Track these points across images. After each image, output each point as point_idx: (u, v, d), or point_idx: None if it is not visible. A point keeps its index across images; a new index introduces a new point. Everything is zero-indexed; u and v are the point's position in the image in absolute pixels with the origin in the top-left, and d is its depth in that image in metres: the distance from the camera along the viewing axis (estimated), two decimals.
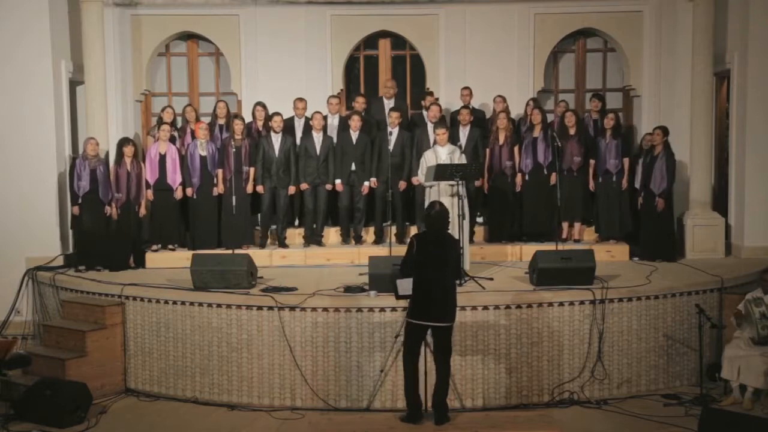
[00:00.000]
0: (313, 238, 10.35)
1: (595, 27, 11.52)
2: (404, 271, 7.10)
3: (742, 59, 10.27)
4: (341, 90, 11.48)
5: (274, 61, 11.38)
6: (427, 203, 9.12)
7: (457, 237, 8.63)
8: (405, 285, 7.00)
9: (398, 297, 7.10)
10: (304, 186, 10.21)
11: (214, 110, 10.84)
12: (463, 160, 9.22)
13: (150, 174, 10.01)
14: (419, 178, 9.34)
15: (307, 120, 10.50)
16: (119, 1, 11.13)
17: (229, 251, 9.25)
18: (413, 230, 10.14)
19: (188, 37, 11.77)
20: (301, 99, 10.57)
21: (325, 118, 10.37)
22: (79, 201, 9.62)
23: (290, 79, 11.23)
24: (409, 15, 11.45)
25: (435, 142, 9.32)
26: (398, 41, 11.81)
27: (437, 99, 11.03)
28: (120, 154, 9.81)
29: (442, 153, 9.11)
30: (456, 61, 11.42)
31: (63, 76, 10.41)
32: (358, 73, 11.94)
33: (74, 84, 10.81)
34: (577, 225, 10.39)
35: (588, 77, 11.90)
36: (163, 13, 11.36)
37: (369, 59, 11.94)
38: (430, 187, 8.99)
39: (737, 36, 10.37)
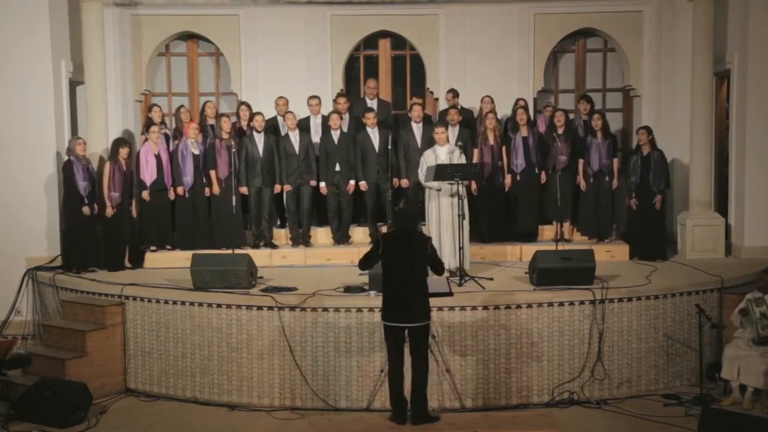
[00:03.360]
0: (300, 239, 10.34)
1: (595, 27, 11.52)
2: (363, 265, 7.17)
3: (742, 59, 10.27)
4: (341, 90, 11.47)
5: (274, 61, 11.38)
6: (426, 203, 9.16)
7: (457, 237, 8.69)
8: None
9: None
10: (287, 188, 10.21)
11: (202, 110, 10.85)
12: (463, 159, 9.22)
13: (147, 175, 9.99)
14: (419, 177, 9.32)
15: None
16: (119, 1, 11.13)
17: (229, 251, 9.25)
18: None
19: (188, 37, 11.77)
20: (281, 97, 10.61)
21: (307, 118, 10.42)
22: (86, 202, 9.60)
23: (290, 79, 11.23)
24: (409, 15, 11.45)
25: (432, 142, 9.32)
26: (398, 41, 11.81)
27: (432, 98, 11.01)
28: (115, 154, 9.79)
29: (441, 152, 9.11)
30: (456, 61, 11.41)
31: (63, 76, 10.41)
32: (358, 73, 11.94)
33: (74, 84, 10.81)
34: (566, 224, 10.41)
35: (588, 77, 11.90)
36: (163, 13, 11.36)
37: (369, 59, 11.94)
38: (430, 187, 8.99)
39: (737, 36, 10.36)
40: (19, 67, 10.06)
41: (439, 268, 7.07)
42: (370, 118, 10.21)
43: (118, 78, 11.20)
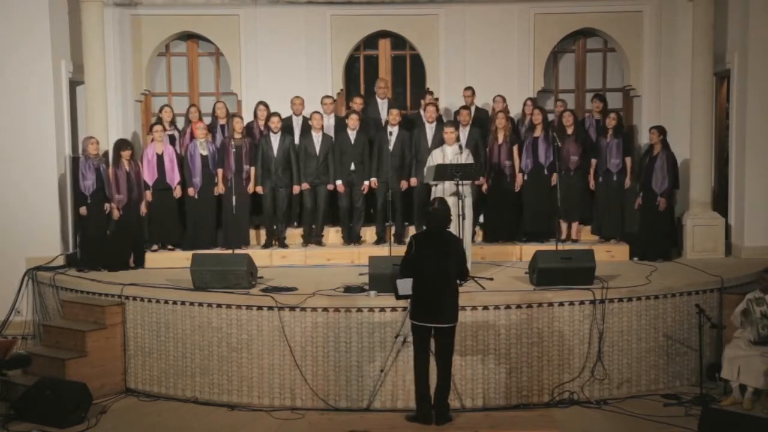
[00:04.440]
0: (313, 238, 10.36)
1: (595, 27, 11.53)
2: (404, 272, 7.05)
3: (742, 59, 10.27)
4: (341, 90, 11.49)
5: (274, 61, 11.38)
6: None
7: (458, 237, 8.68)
8: (405, 285, 6.97)
9: (398, 297, 7.07)
10: (305, 186, 10.22)
11: (213, 111, 10.86)
12: (471, 159, 9.19)
13: (149, 175, 10.01)
14: (424, 176, 9.31)
15: (305, 119, 10.53)
16: (119, 1, 11.14)
17: (229, 251, 9.25)
18: (412, 230, 10.17)
19: (188, 37, 11.78)
20: (298, 96, 10.59)
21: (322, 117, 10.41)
22: (88, 201, 9.60)
23: (290, 79, 11.24)
24: (409, 15, 11.46)
25: (442, 141, 9.31)
26: (398, 41, 11.81)
27: (437, 99, 11.05)
28: (117, 156, 9.80)
29: (449, 152, 9.10)
30: (456, 61, 11.42)
31: (63, 76, 10.41)
32: (358, 73, 11.94)
33: (74, 84, 10.81)
34: (574, 225, 10.41)
35: (588, 77, 11.91)
36: (163, 13, 11.37)
37: (369, 59, 11.95)
38: (435, 185, 8.98)
39: (737, 36, 10.37)
40: (19, 67, 10.06)
41: (464, 271, 7.05)
42: (393, 114, 10.17)
43: (118, 78, 11.21)
